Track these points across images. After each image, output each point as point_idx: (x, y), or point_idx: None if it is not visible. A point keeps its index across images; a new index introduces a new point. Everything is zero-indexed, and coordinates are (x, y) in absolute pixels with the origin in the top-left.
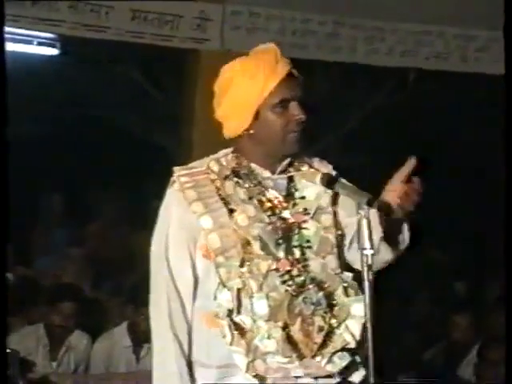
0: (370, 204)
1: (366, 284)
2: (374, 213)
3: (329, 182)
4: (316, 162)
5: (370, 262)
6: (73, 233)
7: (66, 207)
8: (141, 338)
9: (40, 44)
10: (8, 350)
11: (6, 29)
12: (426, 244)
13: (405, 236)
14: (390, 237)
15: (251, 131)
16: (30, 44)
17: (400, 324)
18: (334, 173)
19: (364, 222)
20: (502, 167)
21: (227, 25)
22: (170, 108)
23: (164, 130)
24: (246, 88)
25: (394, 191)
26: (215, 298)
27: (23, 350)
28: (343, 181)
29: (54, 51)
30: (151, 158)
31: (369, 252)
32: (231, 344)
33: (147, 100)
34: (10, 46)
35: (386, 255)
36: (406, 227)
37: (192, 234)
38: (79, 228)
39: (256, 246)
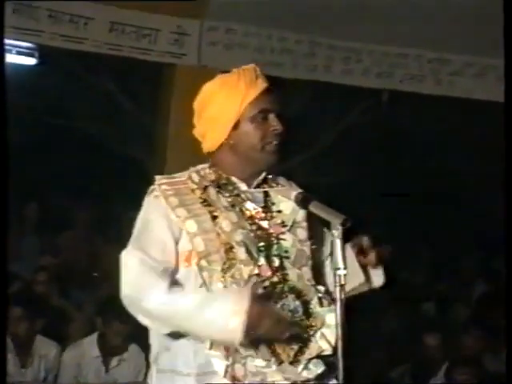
0: (343, 224)
1: (338, 304)
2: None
3: (303, 201)
4: (282, 180)
5: (342, 281)
6: (45, 241)
7: (39, 216)
8: (110, 350)
9: (19, 53)
10: None
11: None
12: (397, 265)
13: (374, 279)
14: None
15: (231, 141)
16: (9, 53)
17: (368, 342)
18: (299, 192)
19: (337, 243)
20: (473, 192)
21: (204, 40)
22: (144, 121)
23: (138, 143)
24: (227, 98)
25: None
26: None
27: None
28: (317, 201)
29: (32, 61)
30: (125, 170)
31: (342, 272)
32: (211, 348)
33: (122, 112)
34: None
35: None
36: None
37: (173, 235)
38: (51, 237)
39: (240, 251)
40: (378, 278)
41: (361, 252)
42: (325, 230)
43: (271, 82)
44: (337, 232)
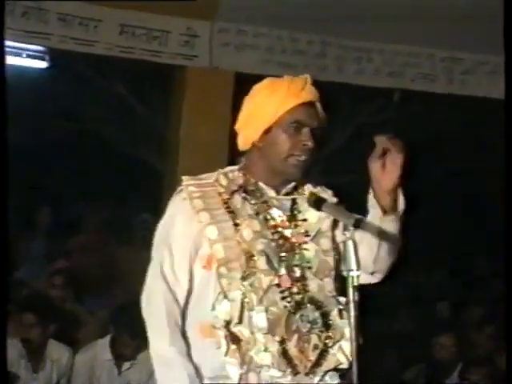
0: (356, 225)
1: (351, 305)
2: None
3: (315, 202)
4: (318, 187)
5: (355, 283)
6: (58, 245)
7: (52, 219)
8: (123, 353)
9: (28, 56)
10: None
11: None
12: (411, 267)
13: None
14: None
15: (260, 144)
16: (19, 56)
17: (382, 342)
18: (334, 199)
19: (350, 244)
20: (487, 189)
21: (215, 42)
22: (155, 123)
23: (150, 145)
24: (266, 100)
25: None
26: (213, 308)
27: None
28: (330, 202)
29: (43, 64)
30: (137, 172)
31: (355, 273)
32: (226, 355)
33: (133, 115)
34: None
35: (387, 256)
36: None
37: (194, 243)
38: (64, 241)
39: (260, 261)
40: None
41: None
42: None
43: (320, 98)
44: (349, 233)
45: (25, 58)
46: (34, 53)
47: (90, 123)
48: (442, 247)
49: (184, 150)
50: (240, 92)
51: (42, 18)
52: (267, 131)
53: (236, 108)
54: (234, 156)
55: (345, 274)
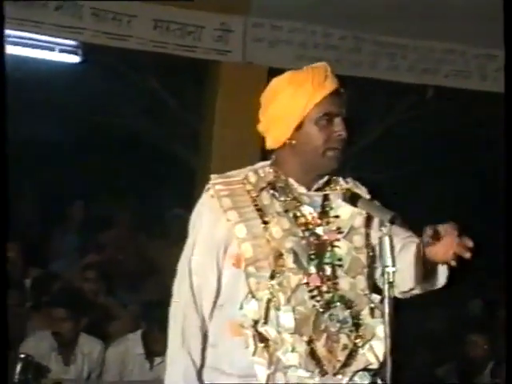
0: (392, 222)
1: (386, 301)
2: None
3: (351, 198)
4: (350, 182)
5: (391, 279)
6: (90, 239)
7: (85, 214)
8: (154, 347)
9: (62, 51)
10: (22, 355)
11: (28, 35)
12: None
13: (440, 278)
14: (425, 275)
15: (293, 141)
16: (53, 51)
17: (414, 340)
18: (367, 195)
19: (386, 240)
20: None
21: (249, 37)
22: (189, 119)
23: (182, 141)
24: (292, 97)
25: (445, 246)
26: (241, 307)
27: (38, 354)
28: (366, 198)
29: (76, 58)
30: (170, 168)
31: (391, 269)
32: (254, 354)
33: (167, 110)
34: (32, 52)
35: (412, 286)
36: (444, 269)
37: (222, 241)
38: (96, 235)
39: (289, 259)
40: (442, 276)
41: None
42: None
43: (341, 83)
44: (385, 229)
45: (58, 53)
46: (67, 47)
47: (123, 118)
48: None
49: (217, 145)
50: None
51: (76, 13)
52: (298, 128)
53: None
54: (266, 151)
55: (380, 270)
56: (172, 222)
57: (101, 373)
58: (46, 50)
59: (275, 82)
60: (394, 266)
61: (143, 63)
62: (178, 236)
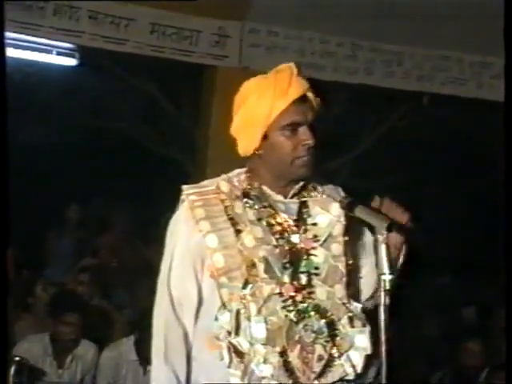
0: (389, 229)
1: (382, 308)
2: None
3: (348, 206)
4: (329, 188)
5: (387, 286)
6: (84, 243)
7: (79, 217)
8: (148, 353)
9: (59, 54)
10: (17, 358)
11: (26, 37)
12: (436, 270)
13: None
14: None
15: (261, 152)
16: (50, 53)
17: (408, 347)
18: (344, 196)
19: (382, 247)
20: None
21: (246, 42)
22: (185, 123)
23: (178, 145)
24: (255, 107)
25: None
26: (216, 319)
27: (31, 358)
28: (362, 206)
29: (73, 61)
30: (165, 172)
31: (387, 277)
32: (229, 366)
33: (163, 114)
34: (28, 55)
35: None
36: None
37: (199, 253)
38: (91, 238)
39: (261, 269)
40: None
41: None
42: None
43: (309, 84)
44: (382, 237)
45: (55, 56)
46: (64, 50)
47: (119, 122)
48: (469, 251)
49: (213, 150)
50: None
51: (73, 16)
52: (264, 138)
53: None
54: None
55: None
56: (167, 226)
57: (94, 376)
58: (43, 52)
59: (245, 85)
60: (390, 273)
61: (140, 67)
62: None
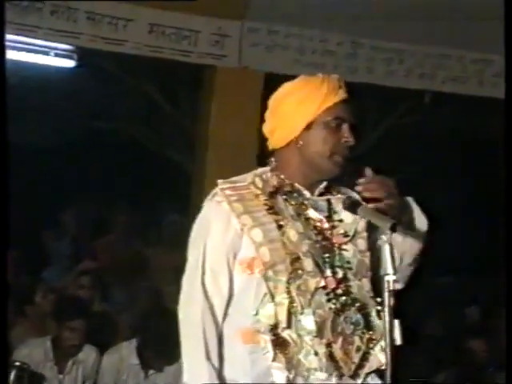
0: (392, 229)
1: (386, 310)
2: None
3: (351, 205)
4: (343, 189)
5: (391, 287)
6: (83, 245)
7: (78, 220)
8: (149, 357)
9: (57, 55)
10: (17, 363)
11: (24, 39)
12: (439, 269)
13: (419, 218)
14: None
15: (300, 142)
16: (47, 55)
17: (412, 347)
18: (348, 196)
19: (386, 248)
20: None
21: (245, 42)
22: (184, 123)
23: (178, 145)
24: (305, 98)
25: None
26: (257, 313)
27: (31, 362)
28: (365, 206)
29: (71, 63)
30: (165, 173)
31: (391, 278)
32: (274, 360)
33: (162, 114)
34: (27, 57)
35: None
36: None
37: (233, 247)
38: (90, 240)
39: (307, 262)
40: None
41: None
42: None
43: (351, 94)
44: (386, 237)
45: (53, 57)
46: (62, 52)
47: (118, 123)
48: (471, 250)
49: (212, 150)
50: (269, 92)
51: (71, 17)
52: (307, 128)
53: (266, 108)
54: (262, 156)
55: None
56: (168, 228)
57: (95, 381)
58: (41, 54)
59: (288, 84)
60: (394, 274)
61: (139, 68)
62: (174, 242)
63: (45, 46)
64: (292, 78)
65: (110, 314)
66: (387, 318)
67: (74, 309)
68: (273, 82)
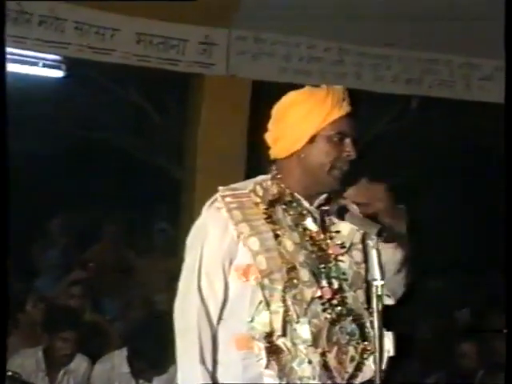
0: (379, 234)
1: (375, 315)
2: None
3: (338, 212)
4: (343, 201)
5: (379, 292)
6: (73, 254)
7: (67, 230)
8: (140, 366)
9: (45, 66)
10: (9, 373)
11: (11, 50)
12: (427, 273)
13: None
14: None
15: (302, 154)
16: (35, 65)
17: (402, 350)
18: (358, 212)
19: (373, 253)
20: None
21: (233, 50)
22: (173, 132)
23: (167, 154)
24: (310, 110)
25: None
26: (252, 320)
27: (23, 373)
28: (353, 211)
29: (59, 73)
30: (154, 181)
31: (378, 283)
32: (266, 367)
33: (150, 123)
34: (14, 68)
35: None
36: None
37: (230, 254)
38: (81, 251)
39: (303, 273)
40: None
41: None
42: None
43: (354, 107)
44: (372, 242)
45: (41, 68)
46: (50, 62)
47: (107, 132)
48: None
49: (201, 158)
50: (257, 100)
51: (59, 27)
52: (310, 141)
53: (254, 116)
54: (251, 164)
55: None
56: (157, 236)
57: None
58: (30, 64)
59: (293, 94)
60: (382, 278)
61: (127, 77)
62: (164, 250)
63: (33, 57)
64: (280, 85)
65: (101, 323)
66: (376, 324)
67: (66, 319)
68: (260, 89)
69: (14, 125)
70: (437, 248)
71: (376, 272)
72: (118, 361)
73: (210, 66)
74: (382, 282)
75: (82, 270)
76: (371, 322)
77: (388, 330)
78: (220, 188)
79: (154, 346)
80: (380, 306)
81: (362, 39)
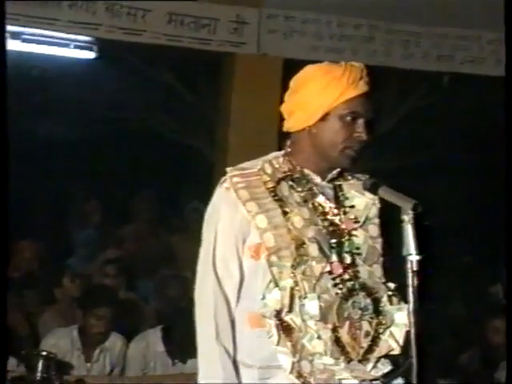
0: (414, 209)
1: (410, 290)
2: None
3: (372, 186)
4: (356, 175)
5: (415, 267)
6: (110, 235)
7: (103, 209)
8: (175, 344)
9: (76, 47)
10: (44, 353)
11: (44, 32)
12: (461, 249)
13: None
14: None
15: (314, 130)
16: (67, 47)
17: (436, 327)
18: (368, 177)
19: (409, 228)
20: None
21: (263, 28)
22: (205, 111)
23: (199, 134)
24: (325, 86)
25: None
26: (263, 297)
27: (58, 352)
28: (386, 186)
29: (91, 54)
30: (187, 161)
31: (414, 258)
32: (278, 344)
33: (182, 103)
34: (46, 49)
35: None
36: None
37: (241, 233)
38: (115, 230)
39: (312, 248)
40: None
41: None
42: None
43: (372, 87)
44: (408, 217)
45: (73, 49)
46: (81, 43)
47: (139, 113)
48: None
49: (233, 137)
50: (288, 78)
51: (90, 9)
52: (323, 118)
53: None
54: (282, 143)
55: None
56: (190, 215)
57: (123, 368)
58: (61, 46)
59: (311, 68)
60: (417, 254)
61: (159, 57)
62: (197, 229)
63: (64, 39)
64: (311, 63)
65: (136, 301)
66: (411, 299)
67: (100, 296)
68: (292, 68)
69: (46, 108)
70: (467, 223)
71: (411, 247)
72: (152, 339)
73: (241, 44)
74: (418, 258)
75: (117, 249)
76: (389, 297)
77: (420, 306)
78: (228, 169)
79: (189, 325)
80: (415, 282)
81: (391, 16)
